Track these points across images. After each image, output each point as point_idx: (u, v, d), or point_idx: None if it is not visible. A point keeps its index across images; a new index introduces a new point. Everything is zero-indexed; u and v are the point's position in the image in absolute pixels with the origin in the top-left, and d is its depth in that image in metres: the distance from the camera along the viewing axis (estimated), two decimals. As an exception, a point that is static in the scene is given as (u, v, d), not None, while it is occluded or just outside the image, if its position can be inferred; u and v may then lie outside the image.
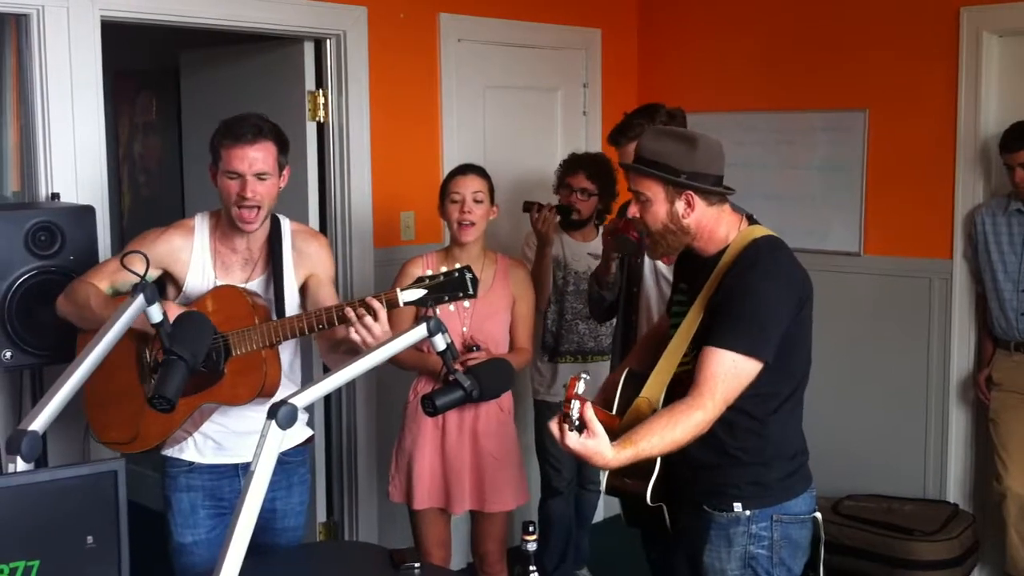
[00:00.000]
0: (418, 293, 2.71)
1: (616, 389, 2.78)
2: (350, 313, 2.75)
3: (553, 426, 2.34)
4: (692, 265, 2.77)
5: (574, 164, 4.52)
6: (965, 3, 4.53)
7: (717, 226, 2.68)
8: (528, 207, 4.29)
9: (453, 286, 2.72)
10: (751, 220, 2.74)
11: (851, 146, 4.90)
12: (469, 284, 2.72)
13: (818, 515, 2.75)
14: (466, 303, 2.83)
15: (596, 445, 2.33)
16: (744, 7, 5.22)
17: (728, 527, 2.68)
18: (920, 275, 4.75)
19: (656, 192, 2.64)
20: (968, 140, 4.58)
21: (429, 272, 2.80)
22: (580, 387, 2.28)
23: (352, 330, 2.75)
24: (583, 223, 4.50)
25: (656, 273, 3.74)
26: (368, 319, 2.74)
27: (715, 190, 2.65)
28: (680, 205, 2.64)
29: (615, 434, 2.44)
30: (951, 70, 4.59)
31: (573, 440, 2.31)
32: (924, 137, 4.71)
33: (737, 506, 2.66)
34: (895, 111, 4.78)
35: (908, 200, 4.78)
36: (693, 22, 5.43)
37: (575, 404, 2.28)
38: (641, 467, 2.63)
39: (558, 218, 4.36)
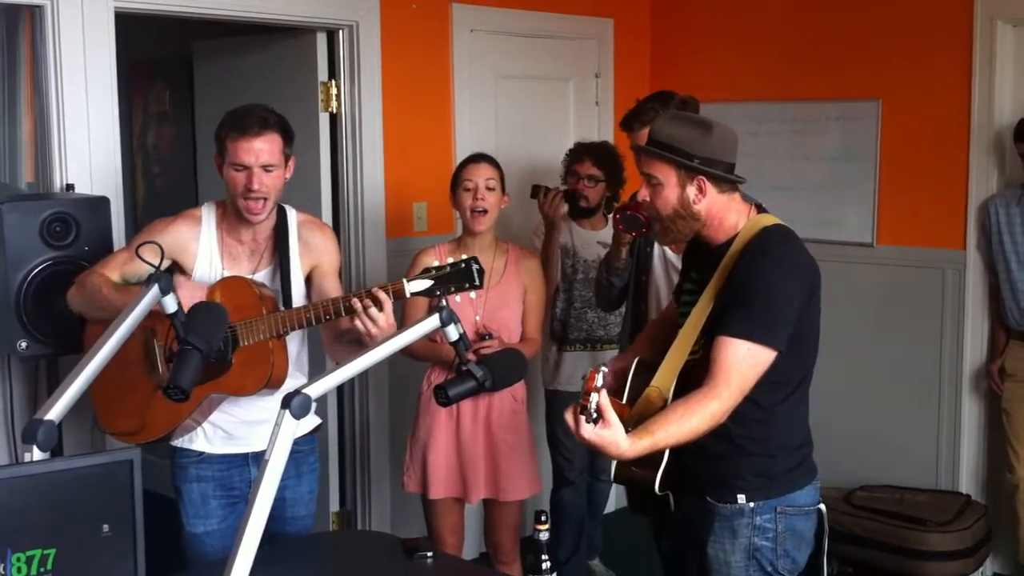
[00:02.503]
0: (424, 284, 2.72)
1: (626, 378, 2.78)
2: (356, 304, 2.76)
3: (568, 417, 2.33)
4: (701, 254, 2.76)
5: (580, 152, 4.53)
6: (979, -8, 4.52)
7: (727, 214, 2.66)
8: (535, 191, 4.30)
9: (459, 277, 2.74)
10: (760, 209, 2.74)
11: (864, 136, 4.88)
12: (475, 275, 2.73)
13: (822, 507, 2.74)
14: (472, 294, 2.83)
15: (612, 435, 2.32)
16: (757, -3, 5.22)
17: (732, 519, 2.68)
18: (933, 265, 4.74)
19: (668, 176, 2.63)
20: (982, 129, 4.56)
21: (436, 263, 2.81)
22: (599, 381, 2.27)
23: (357, 320, 2.76)
24: (591, 211, 4.50)
25: (665, 261, 3.74)
26: (373, 310, 2.74)
27: (728, 177, 2.63)
28: (691, 190, 2.62)
29: (625, 423, 2.44)
30: (965, 59, 4.57)
31: (588, 431, 2.30)
32: (937, 127, 4.70)
33: (741, 498, 2.66)
34: (908, 101, 4.76)
35: (921, 190, 4.76)
36: (705, 12, 5.42)
37: (594, 397, 2.27)
38: (650, 456, 2.63)
39: (566, 207, 4.36)
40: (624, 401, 2.72)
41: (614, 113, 5.42)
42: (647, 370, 2.74)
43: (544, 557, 2.47)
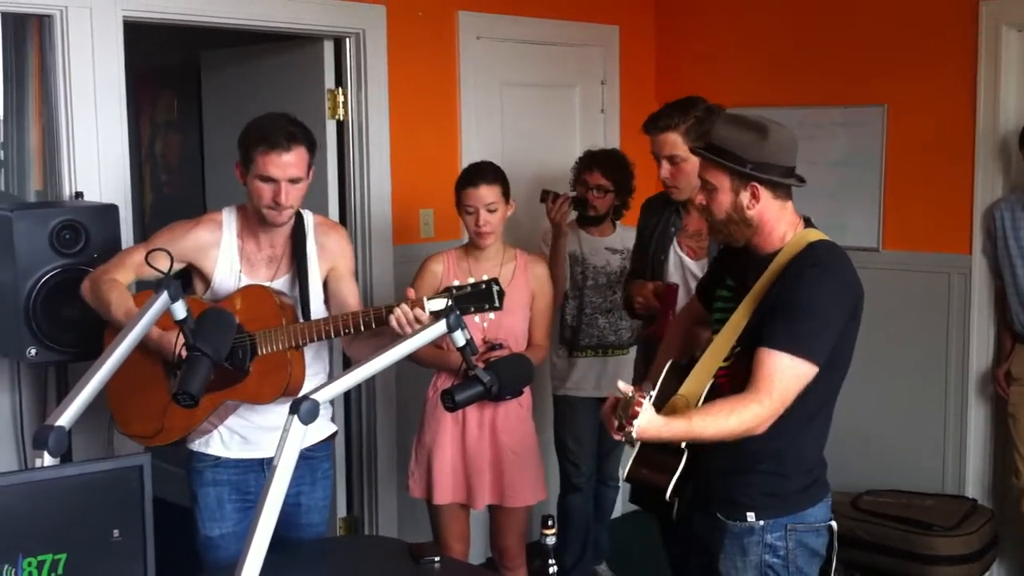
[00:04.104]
0: (444, 303, 2.75)
1: (658, 380, 2.77)
2: (400, 317, 2.84)
3: (616, 436, 2.36)
4: (742, 261, 2.72)
5: (589, 161, 4.54)
6: (984, -2, 4.53)
7: (778, 223, 2.63)
8: (544, 196, 4.31)
9: (479, 298, 2.79)
10: (807, 223, 2.70)
11: (870, 141, 4.89)
12: (495, 297, 2.78)
13: (834, 524, 2.71)
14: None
15: (644, 423, 2.33)
16: (762, 3, 5.22)
17: (742, 537, 2.66)
18: (939, 270, 4.74)
19: (722, 181, 2.60)
20: (987, 135, 4.56)
21: (456, 282, 2.86)
22: (646, 408, 2.30)
23: (394, 322, 2.82)
24: (600, 219, 4.51)
25: (683, 268, 3.72)
26: (416, 313, 2.83)
27: (781, 181, 2.60)
28: (745, 196, 2.59)
29: None
30: (970, 65, 4.58)
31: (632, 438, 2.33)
32: (943, 132, 4.70)
33: (750, 516, 2.64)
34: (914, 106, 4.77)
35: (927, 195, 4.77)
36: (710, 18, 5.43)
37: (638, 424, 2.30)
38: (666, 462, 2.62)
39: (574, 214, 4.37)
40: (653, 403, 2.71)
41: (620, 120, 5.44)
42: (680, 373, 2.72)
43: (551, 562, 2.48)
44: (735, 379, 2.58)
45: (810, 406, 2.61)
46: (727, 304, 2.74)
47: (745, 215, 2.61)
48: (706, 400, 2.61)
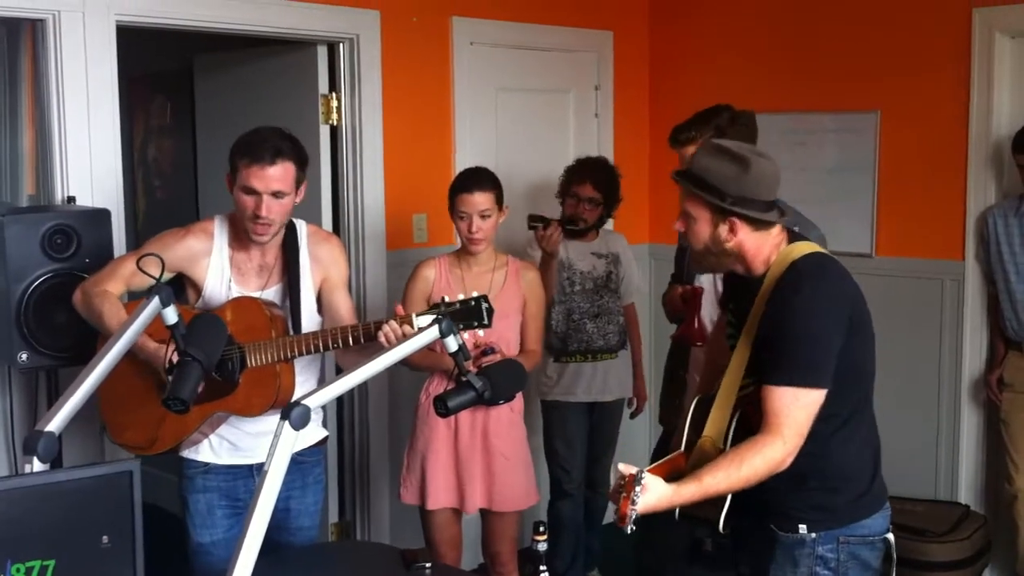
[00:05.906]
0: (432, 319, 2.76)
1: (687, 419, 2.74)
2: (389, 334, 2.85)
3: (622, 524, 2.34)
4: (739, 283, 2.71)
5: (582, 173, 4.52)
6: (977, 4, 4.53)
7: (760, 249, 2.60)
8: (534, 225, 4.27)
9: (468, 314, 2.80)
10: (792, 235, 2.67)
11: (863, 147, 4.89)
12: (485, 314, 2.80)
13: (890, 536, 2.68)
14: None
15: (655, 497, 2.36)
16: (755, 9, 5.23)
17: (793, 548, 2.63)
18: (932, 276, 4.75)
19: (701, 212, 2.58)
20: (980, 141, 4.57)
21: (446, 298, 2.86)
22: (637, 496, 2.29)
23: (382, 337, 2.84)
24: (587, 230, 4.51)
25: (713, 278, 3.73)
26: (403, 329, 2.84)
27: (759, 218, 2.56)
28: (723, 229, 2.57)
29: (683, 474, 2.45)
30: (963, 71, 4.59)
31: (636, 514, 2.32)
32: (936, 138, 4.71)
33: (802, 528, 2.61)
34: (907, 112, 4.77)
35: (920, 201, 4.77)
36: (704, 24, 5.44)
37: (632, 515, 2.29)
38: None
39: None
40: (684, 445, 2.70)
41: (614, 125, 5.45)
42: (705, 411, 2.69)
43: (542, 568, 2.48)
44: (757, 412, 2.54)
45: (838, 420, 2.58)
46: (733, 330, 2.73)
47: (724, 247, 2.59)
48: (735, 435, 2.59)
